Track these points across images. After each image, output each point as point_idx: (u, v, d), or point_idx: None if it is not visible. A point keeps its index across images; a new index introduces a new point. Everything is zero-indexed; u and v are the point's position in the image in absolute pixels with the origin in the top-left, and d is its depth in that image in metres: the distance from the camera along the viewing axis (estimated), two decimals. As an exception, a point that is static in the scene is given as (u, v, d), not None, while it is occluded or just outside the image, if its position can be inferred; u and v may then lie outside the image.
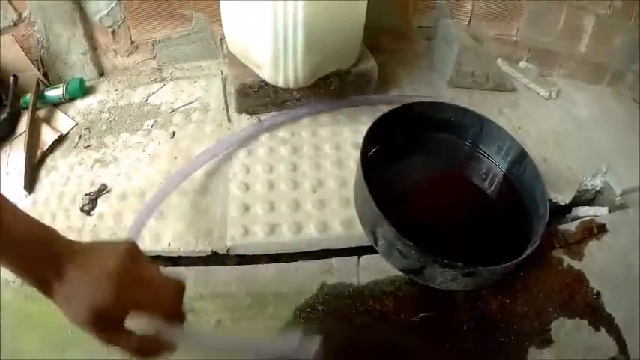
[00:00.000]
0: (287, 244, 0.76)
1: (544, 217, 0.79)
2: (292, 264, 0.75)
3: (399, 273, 0.77)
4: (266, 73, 0.83)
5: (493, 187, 0.94)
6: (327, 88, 0.88)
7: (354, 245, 0.79)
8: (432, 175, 0.91)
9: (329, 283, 0.74)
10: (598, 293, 0.89)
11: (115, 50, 0.97)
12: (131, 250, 0.41)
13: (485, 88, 1.13)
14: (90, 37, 0.99)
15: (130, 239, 0.45)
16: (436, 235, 0.80)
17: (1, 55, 0.96)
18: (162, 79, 0.95)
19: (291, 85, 0.83)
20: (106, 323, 0.39)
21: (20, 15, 0.94)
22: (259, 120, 0.85)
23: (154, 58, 0.97)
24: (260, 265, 0.75)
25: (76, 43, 0.98)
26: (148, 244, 0.74)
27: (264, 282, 0.73)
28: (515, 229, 0.86)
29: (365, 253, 0.78)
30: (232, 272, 0.74)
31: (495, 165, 0.95)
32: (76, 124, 0.92)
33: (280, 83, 0.83)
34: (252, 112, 0.86)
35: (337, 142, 0.87)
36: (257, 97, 0.85)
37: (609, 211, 1.09)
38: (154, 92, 0.92)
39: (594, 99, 1.36)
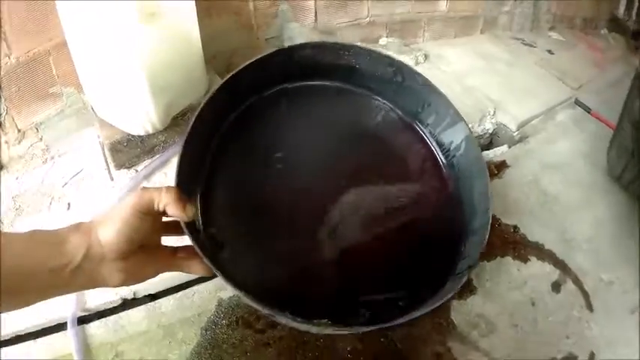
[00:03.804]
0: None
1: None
2: (189, 290, 0.83)
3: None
4: (126, 127, 0.91)
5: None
6: (187, 123, 0.95)
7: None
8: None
9: (224, 297, 0.82)
10: (515, 227, 0.90)
11: (6, 142, 1.05)
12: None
13: (346, 74, 1.16)
14: (-18, 136, 1.07)
15: None
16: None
17: None
18: (52, 158, 1.03)
19: (151, 130, 0.91)
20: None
21: None
22: (136, 171, 0.93)
23: (41, 140, 1.05)
24: (163, 298, 0.83)
25: (-28, 145, 1.06)
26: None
27: (170, 313, 0.82)
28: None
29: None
30: (142, 312, 0.82)
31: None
32: (-9, 222, 1.01)
33: (142, 132, 0.91)
34: (129, 165, 0.94)
35: (208, 168, 0.94)
36: (129, 151, 0.93)
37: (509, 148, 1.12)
38: (46, 172, 1.01)
39: (468, 49, 1.40)
